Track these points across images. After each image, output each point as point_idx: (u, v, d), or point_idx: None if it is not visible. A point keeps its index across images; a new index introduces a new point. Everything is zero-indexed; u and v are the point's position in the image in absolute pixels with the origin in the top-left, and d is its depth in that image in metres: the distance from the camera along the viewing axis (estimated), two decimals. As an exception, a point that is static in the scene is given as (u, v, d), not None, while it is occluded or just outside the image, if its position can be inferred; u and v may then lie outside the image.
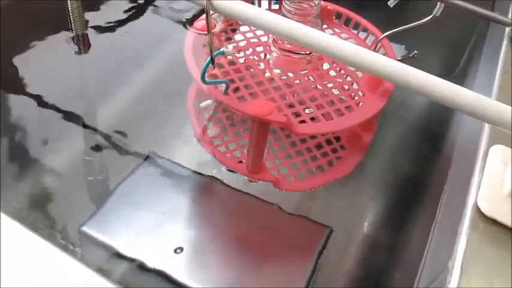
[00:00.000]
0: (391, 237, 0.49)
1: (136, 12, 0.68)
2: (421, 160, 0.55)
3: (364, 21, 0.52)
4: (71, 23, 0.54)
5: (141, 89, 0.60)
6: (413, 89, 0.28)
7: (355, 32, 0.53)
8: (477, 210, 0.30)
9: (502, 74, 0.41)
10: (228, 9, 0.32)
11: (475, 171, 0.33)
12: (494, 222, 0.29)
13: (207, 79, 0.40)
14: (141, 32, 0.66)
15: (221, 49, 0.39)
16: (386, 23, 0.49)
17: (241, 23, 0.52)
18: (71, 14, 0.53)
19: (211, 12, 0.34)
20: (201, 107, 0.43)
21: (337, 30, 0.54)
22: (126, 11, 0.67)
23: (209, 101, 0.43)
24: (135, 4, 0.68)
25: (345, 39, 0.52)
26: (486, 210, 0.29)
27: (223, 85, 0.42)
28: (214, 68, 0.39)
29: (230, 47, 0.50)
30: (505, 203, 0.30)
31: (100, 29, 0.63)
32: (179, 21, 0.68)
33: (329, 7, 0.53)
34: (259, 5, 0.54)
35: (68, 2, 0.51)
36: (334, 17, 0.54)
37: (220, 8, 0.33)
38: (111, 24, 0.64)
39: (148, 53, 0.64)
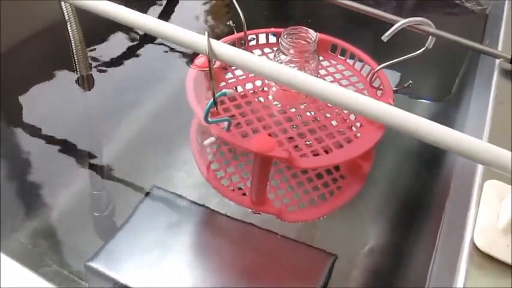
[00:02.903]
0: (394, 263, 0.50)
1: (137, 48, 0.70)
2: (420, 186, 0.56)
3: (359, 52, 0.54)
4: (75, 65, 0.55)
5: (143, 123, 0.61)
6: (410, 134, 0.29)
7: (351, 62, 0.55)
8: (474, 245, 0.31)
9: (494, 105, 0.43)
10: (229, 57, 0.34)
11: (471, 205, 0.34)
12: (490, 257, 0.30)
13: (209, 119, 0.41)
14: (142, 67, 0.67)
15: (223, 90, 0.40)
16: (381, 51, 0.51)
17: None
18: (75, 56, 0.54)
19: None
20: (205, 144, 0.45)
21: (333, 62, 0.55)
22: (127, 48, 0.69)
23: (212, 138, 0.44)
24: (134, 43, 0.70)
25: (341, 70, 0.54)
26: (482, 246, 0.31)
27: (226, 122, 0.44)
28: (217, 109, 0.40)
29: (230, 81, 0.52)
30: (501, 238, 0.31)
31: (103, 65, 0.64)
32: (180, 57, 0.69)
33: (324, 39, 0.55)
34: (257, 39, 0.56)
35: (73, 44, 0.53)
36: (329, 49, 0.56)
37: (222, 57, 0.34)
38: (113, 60, 0.66)
39: (150, 88, 0.66)
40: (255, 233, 0.49)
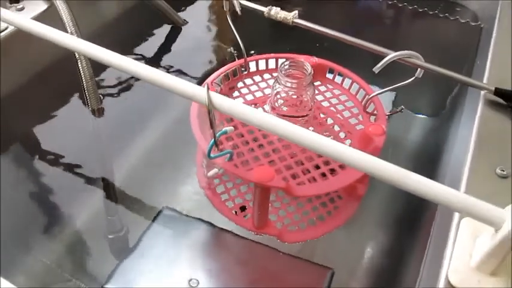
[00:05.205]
0: (393, 276, 0.53)
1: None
2: (414, 207, 0.58)
3: (355, 77, 0.56)
4: (86, 100, 0.58)
5: (152, 146, 0.65)
6: (393, 184, 0.32)
7: (347, 87, 0.57)
8: (448, 282, 0.34)
9: (478, 134, 0.45)
10: (228, 109, 0.37)
11: (448, 241, 0.37)
12: (464, 293, 0.34)
13: (212, 155, 0.45)
14: (149, 92, 0.70)
15: (223, 129, 0.43)
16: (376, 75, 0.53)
17: (240, 87, 0.57)
18: (86, 91, 0.57)
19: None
20: (209, 176, 0.48)
21: (330, 87, 0.58)
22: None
23: (216, 170, 0.48)
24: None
25: (338, 95, 0.57)
26: (456, 283, 0.34)
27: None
28: (218, 149, 0.44)
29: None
30: (473, 276, 0.34)
31: (111, 90, 0.68)
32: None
33: (322, 63, 0.58)
34: (257, 66, 0.59)
35: (83, 81, 0.55)
36: (326, 73, 0.58)
37: (221, 108, 0.37)
38: (121, 84, 0.69)
39: (157, 111, 0.69)
40: (257, 250, 0.53)
